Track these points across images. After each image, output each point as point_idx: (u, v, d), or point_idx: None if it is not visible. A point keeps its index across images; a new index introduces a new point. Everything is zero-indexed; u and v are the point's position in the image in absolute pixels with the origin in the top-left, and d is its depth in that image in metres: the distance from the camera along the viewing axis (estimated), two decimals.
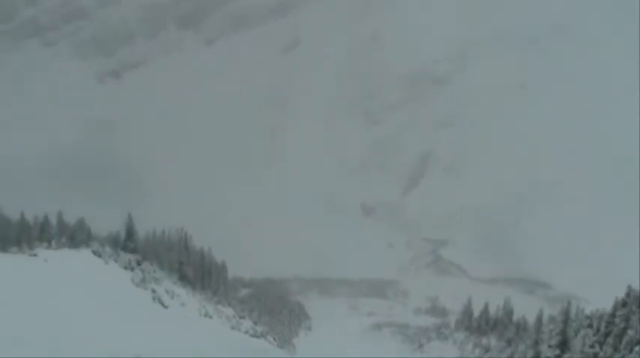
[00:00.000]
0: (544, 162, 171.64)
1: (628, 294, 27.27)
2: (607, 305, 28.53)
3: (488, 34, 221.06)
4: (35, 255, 39.50)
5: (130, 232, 51.59)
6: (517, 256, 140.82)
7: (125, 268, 44.81)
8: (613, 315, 27.37)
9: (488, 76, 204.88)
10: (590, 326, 29.16)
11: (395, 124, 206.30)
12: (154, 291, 41.93)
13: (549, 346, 30.47)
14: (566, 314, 30.73)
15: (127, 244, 50.64)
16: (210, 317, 45.45)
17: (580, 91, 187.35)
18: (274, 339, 53.78)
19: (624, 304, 27.13)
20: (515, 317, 56.66)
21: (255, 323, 54.49)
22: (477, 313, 61.94)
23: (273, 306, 73.01)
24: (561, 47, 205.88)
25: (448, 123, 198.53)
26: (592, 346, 27.06)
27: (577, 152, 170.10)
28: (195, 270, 58.41)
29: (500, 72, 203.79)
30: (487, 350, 53.26)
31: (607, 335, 27.13)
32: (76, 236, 47.91)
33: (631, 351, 24.77)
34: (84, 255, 43.68)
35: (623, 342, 25.30)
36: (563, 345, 29.61)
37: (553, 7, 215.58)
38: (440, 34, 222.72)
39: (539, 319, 40.43)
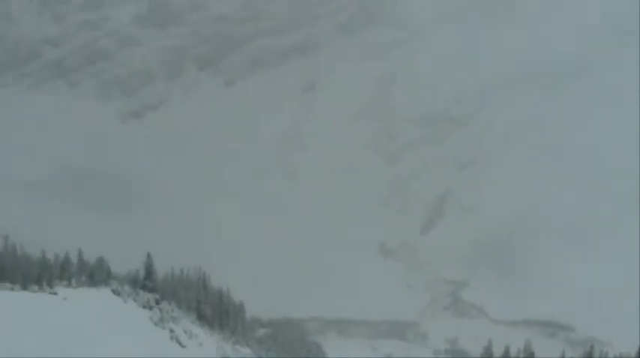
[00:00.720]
0: (565, 200, 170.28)
1: None
2: (631, 349, 28.01)
3: (505, 73, 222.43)
4: (55, 293, 39.85)
5: (149, 271, 51.87)
6: (538, 297, 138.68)
7: (144, 307, 44.93)
8: None
9: (506, 115, 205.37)
10: None
11: (413, 164, 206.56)
12: (172, 331, 41.93)
13: None
14: (589, 357, 30.21)
15: (146, 283, 50.86)
16: (228, 357, 45.19)
17: (599, 131, 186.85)
18: None
19: None
20: None
21: None
22: (497, 356, 60.82)
23: (291, 346, 72.47)
24: (580, 87, 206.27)
25: (466, 163, 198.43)
26: None
27: (597, 189, 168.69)
28: (214, 310, 58.36)
29: (519, 111, 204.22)
30: None
31: None
32: (95, 274, 48.31)
33: None
34: (103, 293, 43.95)
35: None
36: None
37: (572, 47, 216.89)
38: (457, 74, 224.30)
39: None
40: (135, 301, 45.02)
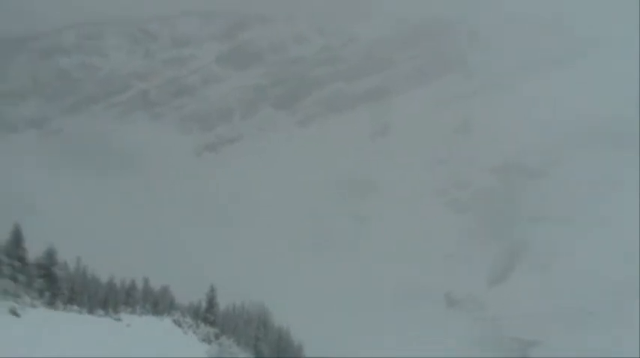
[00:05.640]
0: None
1: None
2: None
3: (584, 127, 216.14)
4: (119, 320, 40.44)
5: (211, 303, 52.04)
6: None
7: (203, 340, 44.96)
8: None
9: (583, 170, 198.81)
10: None
11: (484, 215, 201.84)
12: None
13: None
14: None
15: (207, 316, 50.99)
16: None
17: None
18: None
19: None
20: None
21: None
22: None
23: None
24: None
25: (540, 217, 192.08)
26: None
27: None
28: (272, 349, 57.76)
29: (597, 167, 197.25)
30: None
31: None
32: (159, 303, 48.90)
33: None
34: (165, 323, 44.32)
35: None
36: None
37: None
38: (533, 125, 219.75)
39: None
40: (195, 333, 45.19)
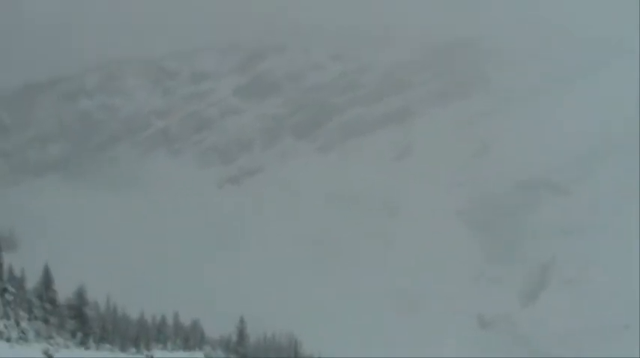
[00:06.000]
0: None
1: None
2: None
3: (606, 140, 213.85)
4: (151, 357, 40.46)
5: (242, 336, 51.95)
6: None
7: None
8: None
9: (607, 183, 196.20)
10: None
11: (510, 233, 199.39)
12: None
13: None
14: None
15: (238, 348, 50.86)
16: None
17: None
18: None
19: None
20: None
21: None
22: None
23: None
24: None
25: (568, 233, 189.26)
26: None
27: None
28: None
29: (620, 180, 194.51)
30: None
31: None
32: (190, 337, 48.92)
33: None
34: None
35: None
36: None
37: None
38: (556, 141, 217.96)
39: None
40: None
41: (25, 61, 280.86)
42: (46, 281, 42.77)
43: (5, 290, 40.13)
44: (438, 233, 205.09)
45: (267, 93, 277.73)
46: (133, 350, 43.23)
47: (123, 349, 42.81)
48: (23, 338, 36.34)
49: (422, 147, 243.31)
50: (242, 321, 52.45)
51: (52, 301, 41.62)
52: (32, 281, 43.80)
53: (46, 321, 39.65)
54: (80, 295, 43.37)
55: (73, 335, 40.76)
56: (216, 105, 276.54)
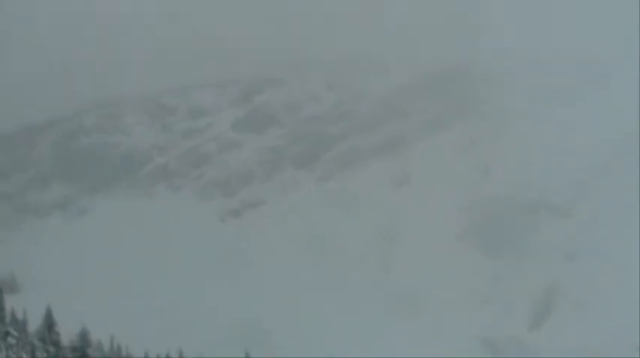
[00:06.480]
0: None
1: None
2: None
3: (607, 158, 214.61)
4: None
5: None
6: None
7: None
8: None
9: (609, 205, 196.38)
10: None
11: (514, 256, 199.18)
12: None
13: None
14: None
15: None
16: None
17: None
18: None
19: None
20: None
21: None
22: None
23: None
24: None
25: (571, 255, 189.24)
26: None
27: None
28: None
29: (622, 201, 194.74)
30: None
31: None
32: None
33: None
34: None
35: None
36: None
37: None
38: (555, 163, 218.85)
39: None
40: None
41: (22, 103, 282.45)
42: (49, 323, 42.67)
43: (8, 333, 40.07)
44: (439, 258, 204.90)
45: (265, 125, 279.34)
46: None
47: None
48: None
49: (420, 173, 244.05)
50: (247, 355, 52.27)
51: (56, 343, 41.46)
52: (34, 324, 43.70)
53: None
54: (83, 336, 43.21)
55: None
56: (215, 139, 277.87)
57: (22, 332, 41.61)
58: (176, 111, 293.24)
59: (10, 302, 44.30)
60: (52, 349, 40.80)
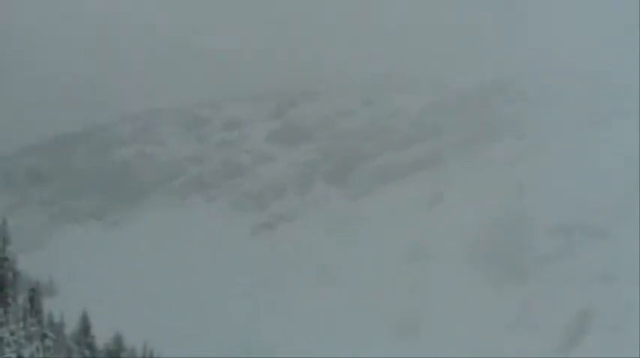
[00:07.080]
0: None
1: None
2: None
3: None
4: None
5: None
6: None
7: None
8: None
9: None
10: None
11: (548, 279, 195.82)
12: None
13: None
14: None
15: None
16: None
17: None
18: None
19: None
20: None
21: None
22: None
23: None
24: None
25: (607, 278, 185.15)
26: None
27: None
28: None
29: None
30: None
31: None
32: None
33: None
34: None
35: None
36: None
37: None
38: (591, 184, 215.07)
39: None
40: None
41: (60, 112, 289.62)
42: (85, 327, 43.45)
43: (45, 335, 40.89)
44: (471, 279, 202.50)
45: (299, 139, 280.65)
46: None
47: None
48: None
49: (454, 192, 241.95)
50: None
51: (91, 347, 42.20)
52: (71, 327, 44.55)
53: None
54: (118, 341, 43.93)
55: None
56: (249, 152, 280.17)
57: (59, 334, 42.41)
58: (211, 122, 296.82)
59: (48, 305, 45.27)
60: (87, 352, 41.56)
